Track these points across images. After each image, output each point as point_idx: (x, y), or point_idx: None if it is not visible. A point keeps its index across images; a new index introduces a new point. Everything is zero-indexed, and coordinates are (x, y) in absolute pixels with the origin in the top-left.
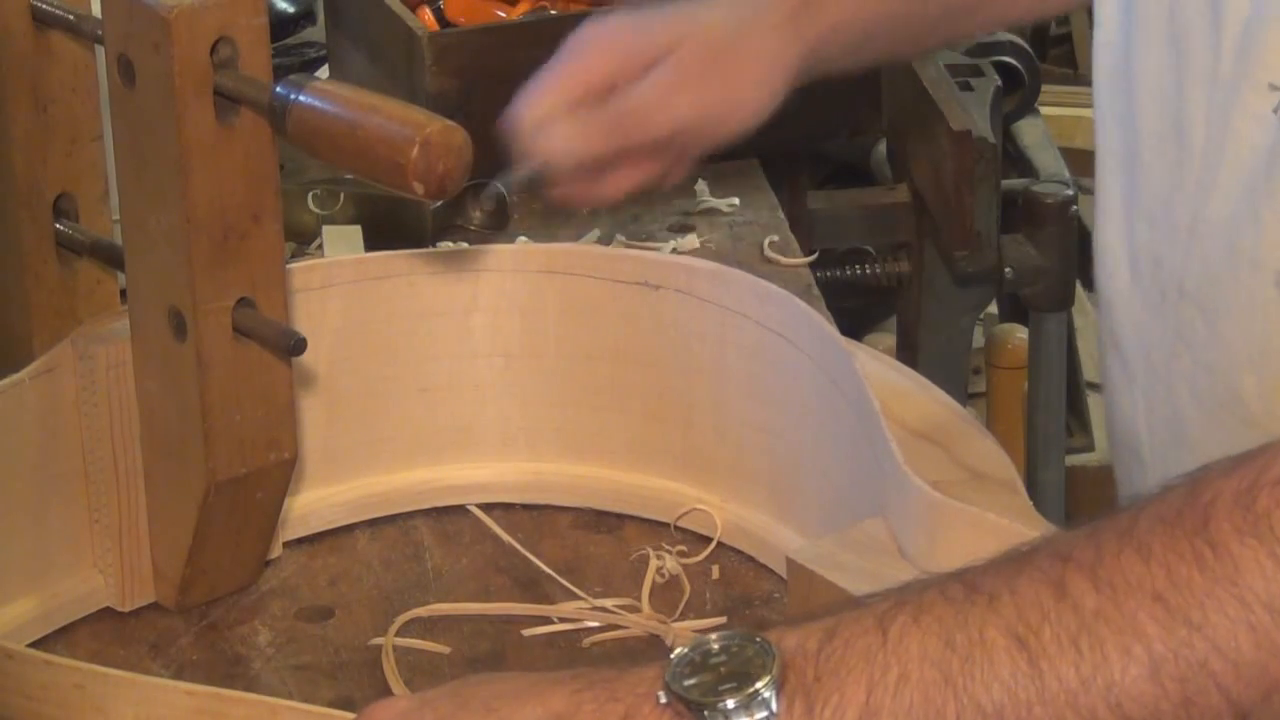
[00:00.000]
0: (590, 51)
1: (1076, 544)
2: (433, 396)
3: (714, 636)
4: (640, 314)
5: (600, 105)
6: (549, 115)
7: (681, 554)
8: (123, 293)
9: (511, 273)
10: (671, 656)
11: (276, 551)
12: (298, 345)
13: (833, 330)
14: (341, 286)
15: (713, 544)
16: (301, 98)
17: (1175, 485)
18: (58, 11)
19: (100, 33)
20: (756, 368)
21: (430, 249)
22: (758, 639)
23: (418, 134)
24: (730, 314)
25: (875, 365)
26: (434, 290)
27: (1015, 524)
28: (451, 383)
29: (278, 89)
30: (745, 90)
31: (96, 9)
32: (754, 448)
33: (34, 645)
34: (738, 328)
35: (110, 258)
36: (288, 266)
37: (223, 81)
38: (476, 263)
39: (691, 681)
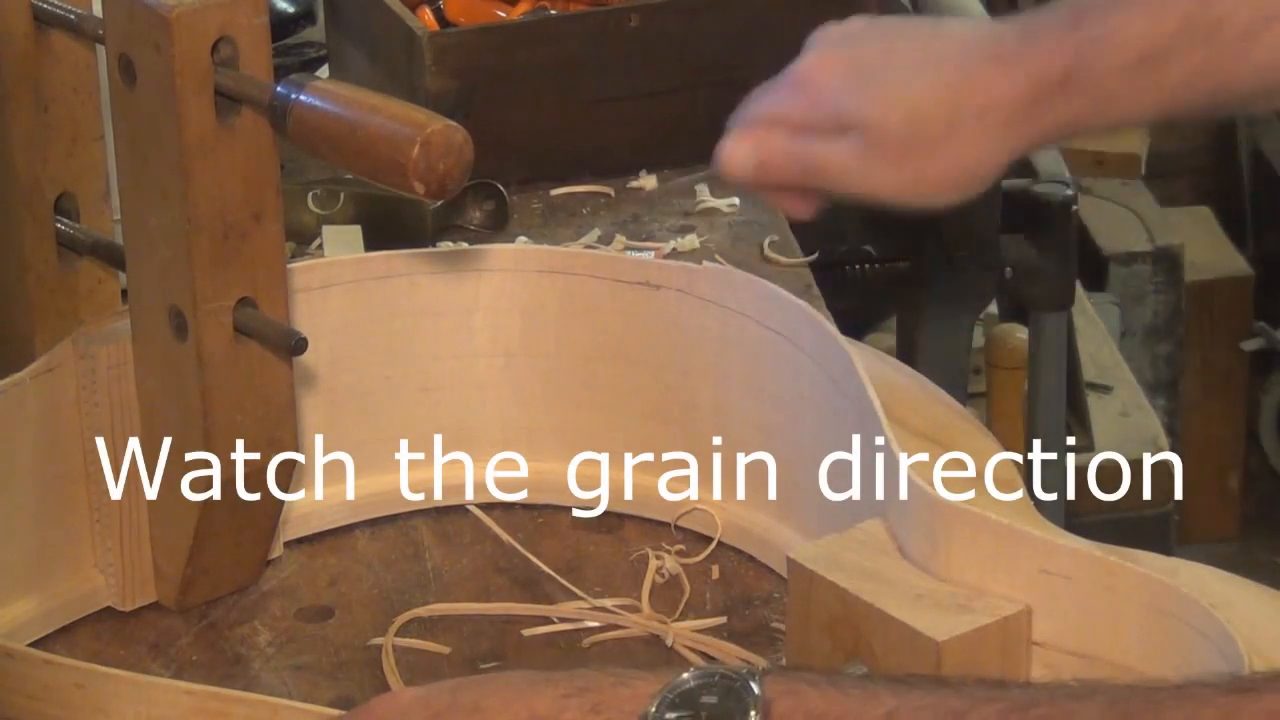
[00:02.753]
0: (796, 85)
1: None
2: (433, 396)
3: (711, 672)
4: (641, 314)
5: (786, 137)
6: (746, 128)
7: (681, 554)
8: (123, 292)
9: (512, 272)
10: (665, 687)
11: (277, 551)
12: (299, 345)
13: (833, 330)
14: (342, 286)
15: (713, 544)
16: (302, 97)
17: (1207, 705)
18: (59, 11)
19: (101, 32)
20: (757, 368)
21: (430, 249)
22: (750, 694)
23: (419, 133)
24: (731, 314)
25: (875, 365)
26: (435, 290)
27: (1015, 524)
28: (452, 382)
29: (278, 89)
30: (941, 181)
31: (98, 8)
32: (754, 447)
33: (34, 645)
34: (738, 328)
35: (111, 257)
36: (288, 266)
37: (223, 81)
38: (477, 263)
39: (673, 715)
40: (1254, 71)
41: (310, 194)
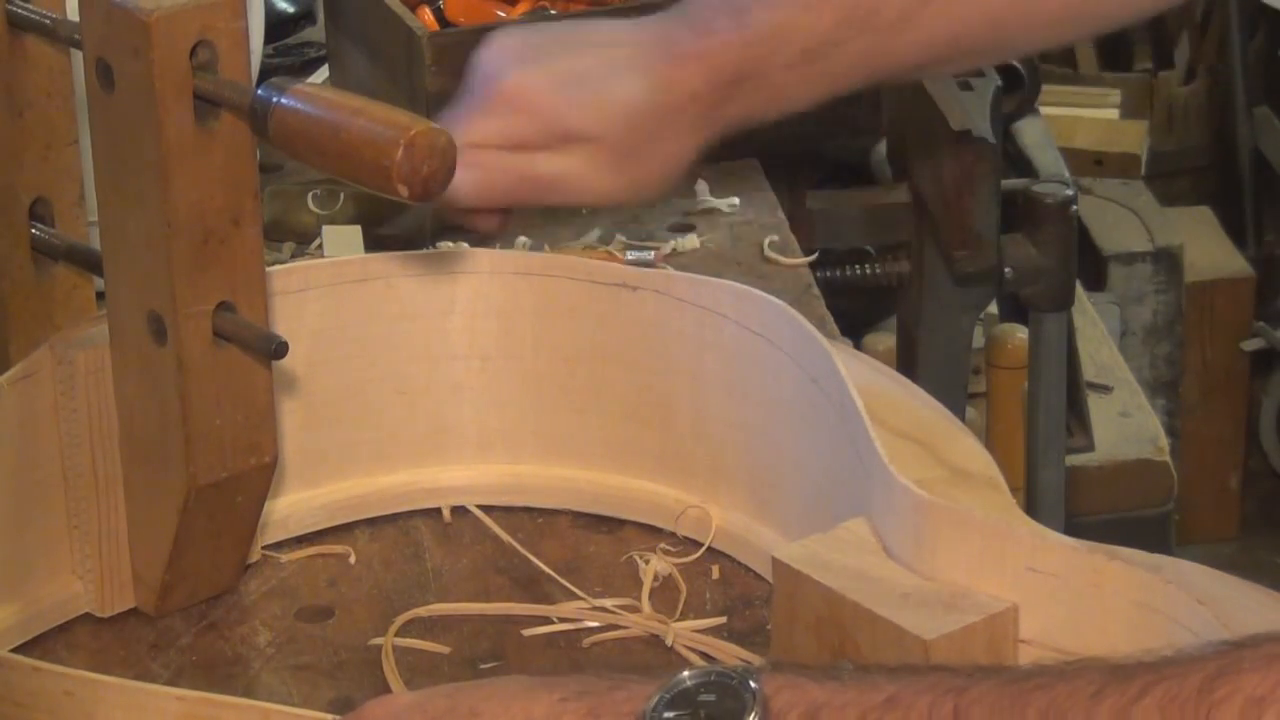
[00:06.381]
0: (506, 106)
1: (1072, 704)
2: (411, 398)
3: (709, 671)
4: (618, 315)
5: (504, 155)
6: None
7: (678, 555)
8: (99, 296)
9: (489, 275)
10: (663, 686)
11: (255, 555)
12: (279, 349)
13: (813, 330)
14: (320, 289)
15: (703, 548)
16: (283, 100)
17: (1208, 659)
18: (33, 16)
19: (77, 36)
20: (736, 368)
21: (407, 252)
22: (749, 691)
23: (402, 136)
24: (709, 314)
25: (856, 364)
26: (412, 293)
27: (999, 521)
28: (429, 385)
29: (259, 92)
30: (653, 180)
31: (73, 13)
32: (734, 447)
33: (34, 644)
34: (716, 328)
35: (86, 262)
36: (266, 270)
37: (202, 85)
38: (454, 265)
39: (671, 714)
40: (913, 49)
41: (310, 194)
